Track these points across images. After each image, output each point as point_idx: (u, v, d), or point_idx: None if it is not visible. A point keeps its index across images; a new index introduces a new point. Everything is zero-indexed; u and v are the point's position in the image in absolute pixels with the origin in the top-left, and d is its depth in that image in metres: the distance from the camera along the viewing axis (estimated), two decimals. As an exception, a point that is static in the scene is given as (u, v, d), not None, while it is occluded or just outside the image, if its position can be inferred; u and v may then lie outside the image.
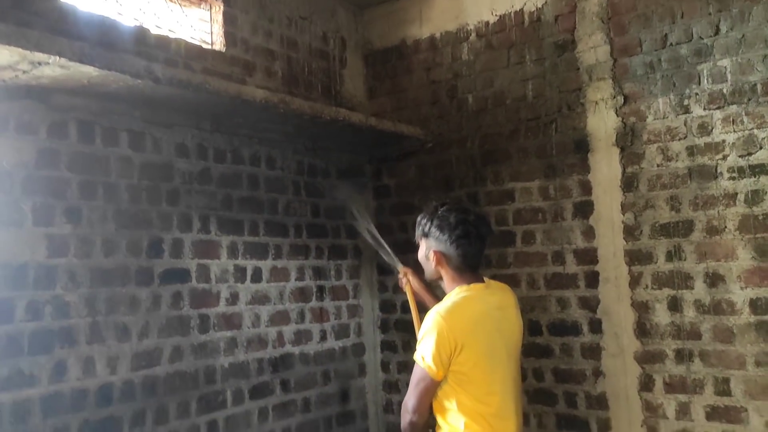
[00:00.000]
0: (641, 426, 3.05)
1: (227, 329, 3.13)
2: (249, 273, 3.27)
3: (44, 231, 2.51)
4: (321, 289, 3.66)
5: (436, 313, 2.08)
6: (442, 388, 2.07)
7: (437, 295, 2.56)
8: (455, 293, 2.14)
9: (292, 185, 3.56)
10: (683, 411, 2.96)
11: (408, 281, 2.60)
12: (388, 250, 2.78)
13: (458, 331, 2.03)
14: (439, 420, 2.11)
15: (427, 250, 2.19)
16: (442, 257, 2.14)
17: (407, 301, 2.62)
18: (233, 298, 3.17)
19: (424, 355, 2.05)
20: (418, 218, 2.21)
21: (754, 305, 2.81)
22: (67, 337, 2.54)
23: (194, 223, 3.05)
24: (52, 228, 2.54)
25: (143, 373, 2.76)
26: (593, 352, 3.21)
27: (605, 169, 3.21)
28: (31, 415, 2.39)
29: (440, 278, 2.21)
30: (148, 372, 2.78)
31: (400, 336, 3.87)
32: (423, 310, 2.51)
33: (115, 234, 2.74)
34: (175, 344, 2.90)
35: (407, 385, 3.96)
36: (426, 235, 2.18)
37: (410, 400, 2.08)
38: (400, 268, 2.67)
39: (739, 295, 2.85)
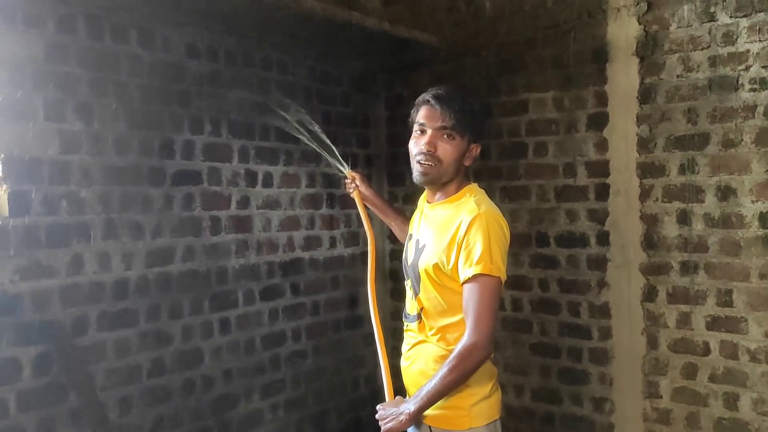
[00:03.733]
0: (641, 334, 3.12)
1: (238, 232, 3.18)
2: (260, 178, 3.29)
3: (56, 127, 2.52)
4: (331, 197, 3.69)
5: (488, 215, 1.86)
6: None
7: (387, 200, 2.57)
8: (474, 191, 2.00)
9: (303, 91, 3.53)
10: (684, 321, 3.02)
11: (356, 187, 2.48)
12: (336, 153, 2.67)
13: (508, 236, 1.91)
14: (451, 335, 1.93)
15: (467, 144, 1.95)
16: (476, 148, 1.98)
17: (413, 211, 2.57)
18: (244, 202, 3.21)
19: (496, 262, 1.80)
20: (458, 106, 1.90)
21: (764, 219, 2.81)
22: (83, 232, 2.59)
23: (205, 125, 3.05)
24: (64, 124, 2.55)
25: (157, 270, 2.84)
26: (599, 263, 3.25)
27: (623, 79, 3.14)
28: (50, 303, 2.48)
29: (449, 180, 1.99)
30: (162, 269, 2.86)
31: (409, 245, 3.93)
32: (372, 217, 2.59)
33: (127, 133, 2.75)
34: (188, 244, 2.96)
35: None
36: (474, 126, 1.94)
37: (483, 325, 1.77)
38: (348, 172, 2.55)
39: (749, 208, 2.84)
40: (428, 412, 1.88)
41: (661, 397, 3.08)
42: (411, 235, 2.14)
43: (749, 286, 2.85)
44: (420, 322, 2.01)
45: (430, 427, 1.89)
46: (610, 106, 3.18)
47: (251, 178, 3.25)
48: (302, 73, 3.51)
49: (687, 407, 3.01)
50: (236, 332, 3.16)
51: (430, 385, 1.81)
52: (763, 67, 2.78)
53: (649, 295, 3.10)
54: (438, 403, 1.86)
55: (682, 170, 3.00)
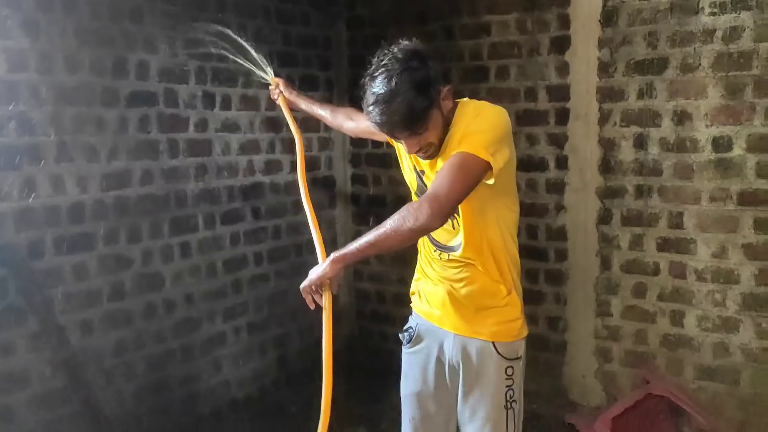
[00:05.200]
0: (596, 256, 3.22)
1: (197, 156, 3.12)
2: (218, 100, 3.21)
3: (1, 44, 2.40)
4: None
5: (485, 104, 1.74)
6: (485, 196, 1.71)
7: (312, 98, 2.55)
8: (466, 100, 1.82)
9: (262, 10, 3.40)
10: (636, 242, 3.12)
11: (281, 92, 2.45)
12: (259, 60, 2.60)
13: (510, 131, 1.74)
14: (476, 237, 1.78)
15: (438, 109, 1.71)
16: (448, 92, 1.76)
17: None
18: (202, 125, 3.14)
19: (487, 147, 1.62)
20: (402, 112, 1.63)
21: (716, 143, 2.88)
22: (34, 154, 2.51)
23: (159, 44, 2.93)
24: (10, 41, 2.42)
25: (114, 193, 2.78)
26: (557, 187, 3.30)
27: (585, 1, 3.11)
28: (4, 227, 2.42)
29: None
30: (119, 193, 2.80)
31: (371, 171, 3.92)
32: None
33: (77, 51, 2.63)
34: (145, 167, 2.90)
35: (378, 217, 4.11)
36: (425, 98, 1.65)
37: (445, 196, 1.57)
38: (272, 79, 2.53)
39: (704, 133, 2.90)
40: (487, 329, 1.80)
41: (612, 315, 3.21)
42: (416, 169, 1.88)
43: (699, 208, 2.94)
44: (462, 250, 1.81)
45: (493, 343, 1.81)
46: (572, 30, 3.16)
47: (209, 100, 3.17)
48: (260, -10, 3.37)
49: (636, 324, 3.16)
50: (197, 256, 3.15)
51: (363, 238, 1.65)
52: (724, -10, 2.79)
53: (605, 218, 3.19)
54: (495, 318, 1.81)
55: (641, 95, 3.03)
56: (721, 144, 2.87)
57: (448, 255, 1.84)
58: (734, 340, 2.92)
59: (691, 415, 2.90)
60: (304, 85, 3.67)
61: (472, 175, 1.62)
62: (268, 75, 2.58)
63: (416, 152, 1.75)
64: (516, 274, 1.88)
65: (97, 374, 2.70)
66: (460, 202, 1.62)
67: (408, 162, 1.90)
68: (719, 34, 2.82)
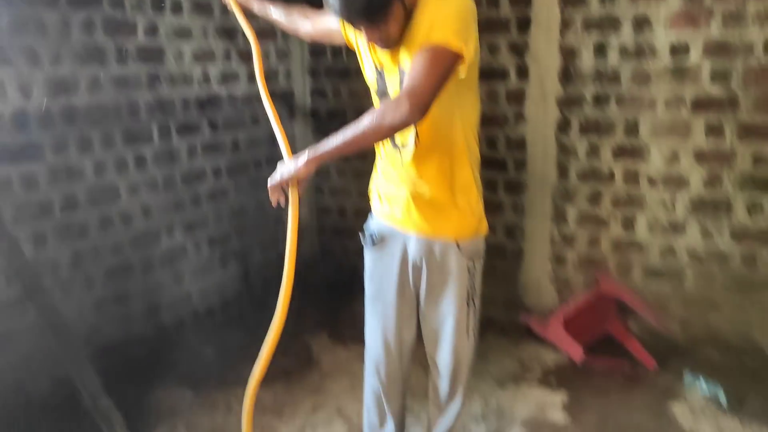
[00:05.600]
0: (554, 165, 3.27)
1: (148, 63, 3.00)
2: (168, 4, 3.06)
3: None
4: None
5: None
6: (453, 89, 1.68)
7: (269, 1, 2.47)
8: None
9: None
10: (593, 151, 3.17)
11: None
12: None
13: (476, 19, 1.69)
14: (444, 132, 1.77)
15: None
16: None
17: (342, 47, 2.37)
18: (152, 30, 3.00)
19: (458, 36, 1.58)
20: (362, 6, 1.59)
21: (674, 49, 2.90)
22: (-30, 57, 2.38)
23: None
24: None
25: (60, 101, 2.67)
26: (517, 97, 3.30)
27: None
28: (-57, 133, 2.31)
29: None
30: (66, 101, 2.69)
31: (331, 83, 3.85)
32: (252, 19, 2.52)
33: (9, -55, 2.45)
34: (92, 75, 2.78)
35: (337, 130, 4.07)
36: None
37: (421, 90, 1.54)
38: None
39: (662, 39, 2.91)
40: (451, 229, 1.82)
41: (568, 222, 3.30)
42: (376, 69, 1.83)
43: (654, 115, 2.99)
44: (417, 147, 1.80)
45: (456, 242, 1.83)
46: (535, -68, 3.08)
47: (157, 3, 3.01)
48: None
49: (590, 230, 3.25)
50: (153, 168, 3.08)
51: (339, 136, 1.62)
52: None
53: (563, 127, 3.22)
54: (458, 217, 1.81)
55: (603, 0, 3.00)
56: (678, 50, 2.89)
57: (410, 154, 1.82)
58: (681, 242, 3.04)
59: (638, 313, 3.05)
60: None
61: (446, 66, 1.58)
62: None
63: (375, 42, 1.70)
64: (477, 172, 1.89)
65: (54, 286, 2.67)
66: (436, 95, 1.58)
67: (369, 62, 1.85)
68: (681, -64, 2.79)
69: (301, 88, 3.92)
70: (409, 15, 1.68)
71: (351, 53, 2.02)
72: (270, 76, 3.66)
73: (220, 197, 3.46)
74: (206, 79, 3.28)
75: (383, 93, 1.84)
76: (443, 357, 1.93)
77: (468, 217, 1.86)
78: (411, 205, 1.85)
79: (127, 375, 2.82)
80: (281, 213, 4.05)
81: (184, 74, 3.17)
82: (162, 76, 3.06)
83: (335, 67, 3.80)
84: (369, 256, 2.01)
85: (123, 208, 2.96)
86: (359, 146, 1.63)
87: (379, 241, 1.96)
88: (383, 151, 1.93)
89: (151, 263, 3.12)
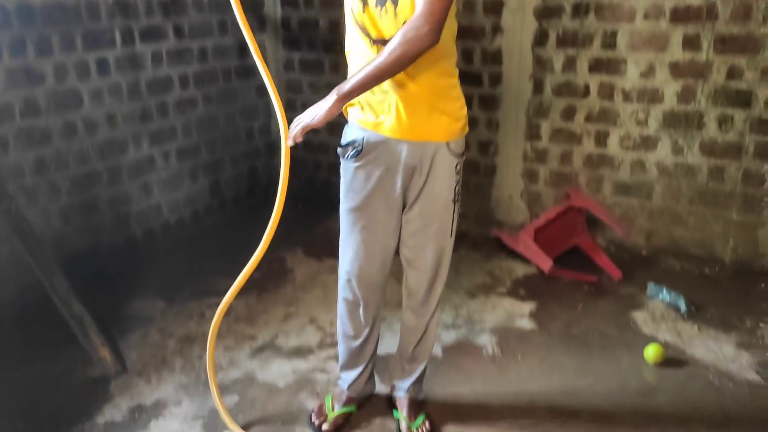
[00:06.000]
0: (529, 80, 3.23)
1: (108, -40, 2.83)
2: None
3: None
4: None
5: None
6: None
7: None
8: None
9: None
10: (569, 64, 3.13)
11: None
12: None
13: None
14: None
15: None
16: None
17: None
18: (111, -76, 2.81)
19: None
20: None
21: (656, -42, 2.84)
22: None
23: None
24: None
25: (15, -2, 2.52)
26: (495, 7, 3.21)
27: None
28: None
29: None
30: (21, -2, 2.54)
31: (302, -9, 3.70)
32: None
33: None
34: (49, -30, 2.61)
35: (309, 43, 3.92)
36: None
37: (436, 14, 1.55)
38: None
39: (644, -53, 2.84)
40: (442, 130, 1.79)
41: (541, 138, 3.30)
42: None
43: (633, 27, 2.95)
44: None
45: (447, 143, 1.81)
46: None
47: None
48: None
49: (562, 146, 3.26)
50: (116, 75, 2.96)
51: (363, 71, 1.62)
52: None
53: (540, 39, 3.16)
54: (447, 117, 1.79)
55: None
56: (660, -41, 2.83)
57: None
58: (651, 157, 3.07)
59: (606, 224, 3.11)
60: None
61: None
62: None
63: None
64: (457, 77, 1.85)
65: (18, 192, 2.60)
66: (448, 11, 1.57)
67: None
68: None
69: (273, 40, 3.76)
70: None
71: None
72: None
73: (188, 108, 3.36)
74: (170, -20, 3.12)
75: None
76: (427, 258, 1.94)
77: (457, 116, 1.84)
78: (401, 110, 1.78)
79: (97, 284, 2.81)
80: (253, 124, 3.98)
81: (146, -26, 3.01)
82: (123, -25, 2.90)
83: (307, -26, 3.65)
84: (350, 167, 1.92)
85: (86, 115, 2.86)
86: (385, 78, 1.63)
87: (364, 151, 1.88)
88: (364, 56, 1.86)
89: (119, 173, 3.05)
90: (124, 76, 2.99)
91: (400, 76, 1.74)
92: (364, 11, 1.68)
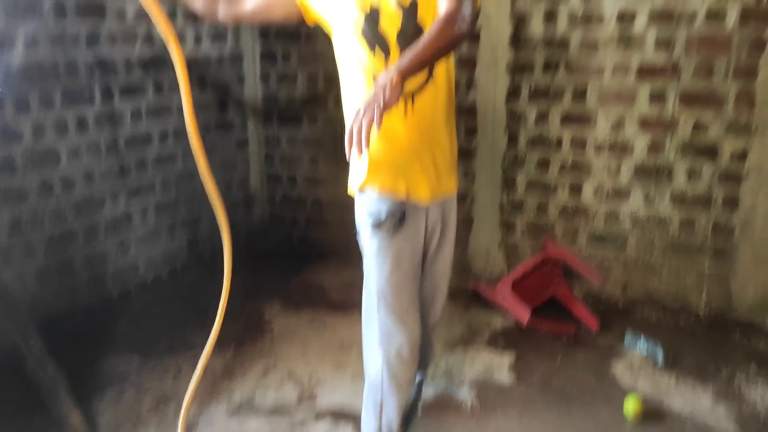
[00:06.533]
0: (503, 132, 3.30)
1: (87, 17, 2.87)
2: None
3: None
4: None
5: None
6: None
7: None
8: None
9: None
10: (542, 118, 3.21)
11: None
12: None
13: None
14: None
15: None
16: None
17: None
18: (92, -14, 2.87)
19: None
20: None
21: (621, 17, 2.95)
22: None
23: None
24: None
25: (-6, 58, 2.54)
26: (468, 63, 3.31)
27: None
28: None
29: None
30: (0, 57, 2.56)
31: (282, 45, 3.77)
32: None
33: None
34: (29, 31, 2.65)
35: (288, 97, 3.97)
36: None
37: (465, 8, 1.55)
38: None
39: (609, 7, 2.96)
40: (454, 181, 1.88)
41: (517, 189, 3.35)
42: (363, 7, 1.73)
43: (601, 82, 3.05)
44: (431, 84, 1.75)
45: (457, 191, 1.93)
46: None
47: (98, -41, 2.88)
48: None
49: (538, 197, 3.31)
50: (95, 132, 2.97)
51: (413, 49, 1.52)
52: None
53: (514, 93, 3.25)
54: (455, 169, 1.87)
55: (553, -33, 3.03)
56: (625, 18, 2.94)
57: (422, 95, 1.72)
58: (624, 208, 3.14)
59: (582, 276, 3.14)
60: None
61: None
62: None
63: None
64: None
65: (-9, 252, 2.58)
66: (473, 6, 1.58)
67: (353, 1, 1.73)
68: None
69: (251, 50, 3.82)
70: None
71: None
72: (217, 36, 3.57)
73: (167, 163, 3.37)
74: (149, 37, 3.17)
75: (374, 33, 1.72)
76: (437, 306, 2.00)
77: (456, 164, 1.90)
78: (432, 172, 1.78)
79: (73, 345, 2.75)
80: (231, 178, 3.99)
81: (126, 31, 3.06)
82: (102, 33, 2.95)
83: (285, 31, 3.72)
84: (389, 242, 1.77)
85: (64, 173, 2.86)
86: (439, 55, 1.54)
87: (407, 219, 1.78)
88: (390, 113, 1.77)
89: (95, 231, 3.04)
90: (102, 133, 3.01)
91: (427, 116, 1.74)
92: (388, 63, 1.70)
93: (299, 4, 1.86)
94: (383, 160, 1.75)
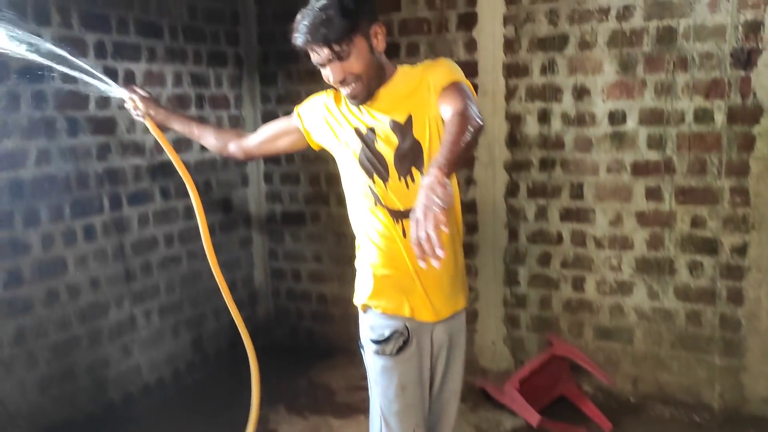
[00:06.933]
0: (504, 228, 3.35)
1: (99, 134, 2.99)
2: (120, 75, 3.07)
3: None
4: (200, 98, 3.53)
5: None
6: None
7: (185, 115, 2.27)
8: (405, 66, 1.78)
9: (165, -19, 3.27)
10: (541, 213, 3.26)
11: (144, 112, 2.08)
12: (101, 76, 2.10)
13: None
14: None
15: (366, 37, 1.64)
16: (382, 32, 1.69)
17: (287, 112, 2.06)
18: (104, 101, 3.00)
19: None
20: (326, 27, 1.59)
21: (612, 117, 3.05)
22: None
23: (52, 14, 2.77)
24: None
25: (6, 175, 2.62)
26: (467, 161, 3.39)
27: (491, -21, 3.19)
28: None
29: (381, 78, 1.71)
30: (13, 174, 2.65)
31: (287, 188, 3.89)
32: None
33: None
34: (42, 147, 2.75)
35: (291, 196, 4.06)
36: (352, 19, 1.60)
37: (472, 107, 1.56)
38: (124, 94, 2.09)
39: (601, 107, 3.06)
40: (461, 298, 1.84)
41: (520, 283, 3.36)
42: (359, 131, 1.75)
43: (597, 179, 3.11)
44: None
45: (464, 308, 1.88)
46: (479, 6, 3.24)
47: (111, 76, 3.01)
48: (161, -40, 3.24)
49: (541, 291, 3.31)
50: (102, 239, 3.03)
51: (445, 147, 1.45)
52: (617, -30, 2.93)
53: (512, 190, 3.31)
54: (463, 285, 1.85)
55: (544, 71, 3.15)
56: (616, 118, 3.04)
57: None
58: (628, 301, 3.13)
59: (591, 373, 3.09)
60: (213, 60, 3.59)
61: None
62: (119, 90, 2.09)
63: (341, 84, 1.66)
64: None
65: (-5, 365, 2.57)
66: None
67: (348, 125, 1.76)
68: (613, 12, 2.97)
69: (256, 194, 3.95)
70: (381, 68, 1.69)
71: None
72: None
73: (171, 265, 3.41)
74: (158, 146, 3.27)
75: (371, 157, 1.73)
76: (446, 424, 1.93)
77: (465, 280, 1.86)
78: (436, 293, 1.75)
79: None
80: (235, 278, 4.00)
81: (135, 143, 3.17)
82: (113, 145, 3.05)
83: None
84: (396, 364, 1.74)
85: (70, 281, 2.89)
86: (467, 148, 1.48)
87: (410, 340, 1.75)
88: (380, 239, 1.76)
89: (99, 336, 3.04)
90: (109, 239, 3.06)
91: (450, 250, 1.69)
92: (387, 188, 1.71)
93: (304, 135, 1.89)
94: (385, 280, 1.76)
